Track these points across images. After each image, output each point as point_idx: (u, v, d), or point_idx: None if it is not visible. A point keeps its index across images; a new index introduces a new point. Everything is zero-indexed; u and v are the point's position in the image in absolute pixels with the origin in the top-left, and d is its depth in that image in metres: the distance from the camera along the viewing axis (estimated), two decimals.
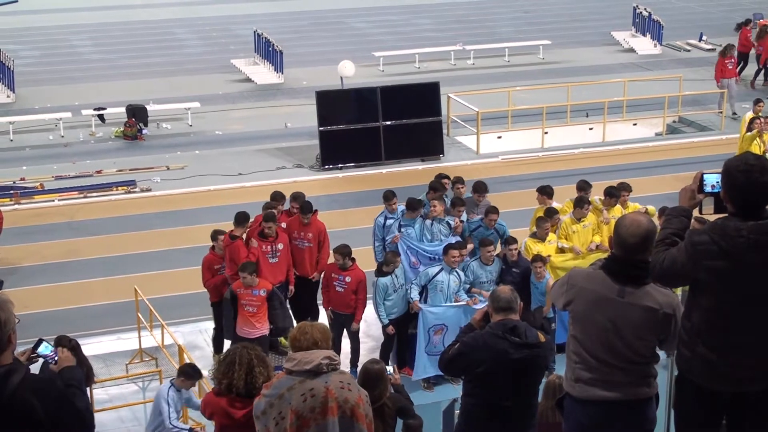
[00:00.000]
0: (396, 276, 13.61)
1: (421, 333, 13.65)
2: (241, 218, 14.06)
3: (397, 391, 9.22)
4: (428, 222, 14.48)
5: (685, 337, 5.80)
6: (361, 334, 14.84)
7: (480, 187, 15.65)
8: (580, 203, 14.79)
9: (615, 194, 15.09)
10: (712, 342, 5.67)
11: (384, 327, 13.79)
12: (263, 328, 13.34)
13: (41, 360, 6.01)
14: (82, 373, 5.64)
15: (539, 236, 14.48)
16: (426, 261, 14.13)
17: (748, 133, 20.20)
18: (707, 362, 5.70)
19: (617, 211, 14.87)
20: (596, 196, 15.48)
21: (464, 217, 14.90)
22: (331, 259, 14.20)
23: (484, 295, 13.40)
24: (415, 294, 13.58)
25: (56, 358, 5.81)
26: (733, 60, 26.43)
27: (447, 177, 15.78)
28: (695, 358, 5.75)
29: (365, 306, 13.84)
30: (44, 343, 5.74)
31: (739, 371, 5.66)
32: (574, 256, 14.52)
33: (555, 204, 15.36)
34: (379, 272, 13.65)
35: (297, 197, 14.81)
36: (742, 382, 5.70)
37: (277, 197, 14.77)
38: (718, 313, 5.61)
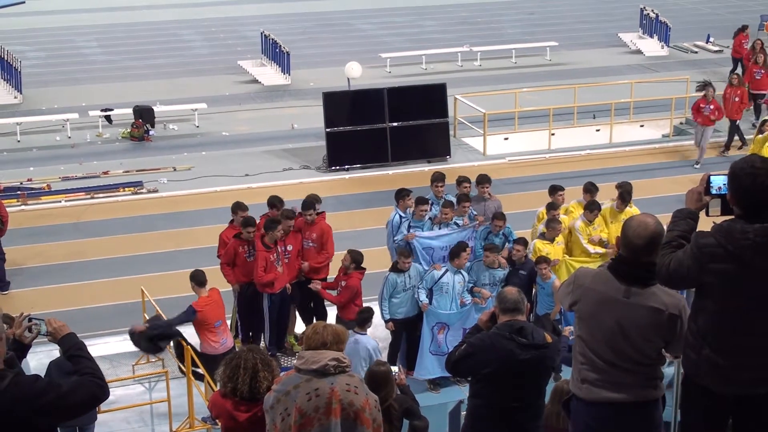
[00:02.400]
0: (409, 276, 13.61)
1: (426, 332, 13.66)
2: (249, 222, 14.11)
3: (403, 392, 9.23)
4: (436, 227, 14.51)
5: (692, 339, 5.79)
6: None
7: (483, 179, 15.64)
8: (591, 207, 14.84)
9: (627, 199, 15.12)
10: (718, 344, 5.65)
11: (385, 322, 13.79)
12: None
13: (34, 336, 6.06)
14: (77, 337, 5.74)
15: (548, 237, 14.48)
16: (438, 259, 14.09)
17: (760, 136, 20.14)
18: (713, 365, 5.68)
19: (625, 213, 14.87)
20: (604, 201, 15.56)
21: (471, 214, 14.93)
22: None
23: (485, 295, 13.41)
24: (423, 297, 13.57)
25: (47, 330, 5.84)
26: (712, 106, 22.58)
27: (443, 175, 15.77)
28: (701, 360, 5.74)
29: (333, 299, 13.84)
30: (34, 320, 5.84)
31: (745, 374, 5.64)
32: (588, 256, 14.57)
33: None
34: (393, 268, 13.73)
35: (273, 204, 14.73)
36: (748, 385, 5.68)
37: (275, 202, 14.74)
38: (724, 315, 5.59)
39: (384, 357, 13.25)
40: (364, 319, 12.38)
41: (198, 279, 13.04)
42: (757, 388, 5.69)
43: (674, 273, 5.62)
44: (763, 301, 5.52)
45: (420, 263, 13.95)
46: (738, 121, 23.63)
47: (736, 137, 23.82)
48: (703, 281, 5.58)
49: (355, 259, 13.62)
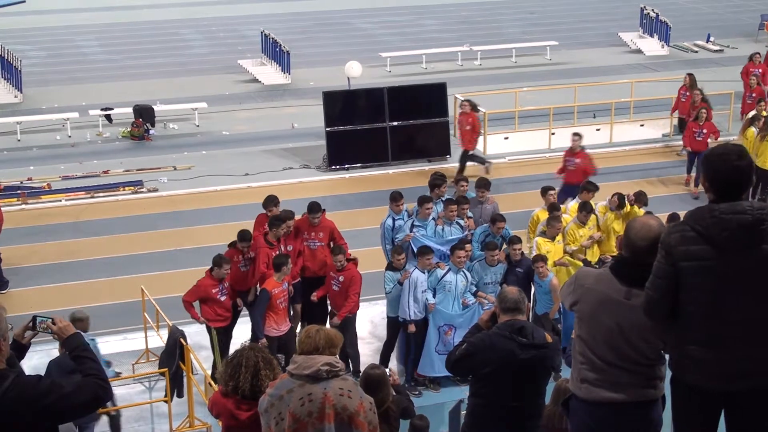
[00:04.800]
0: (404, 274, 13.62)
1: (432, 331, 13.65)
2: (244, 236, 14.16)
3: (398, 391, 9.24)
4: (439, 227, 14.52)
5: (673, 337, 5.80)
6: (366, 335, 14.86)
7: (483, 183, 15.66)
8: (582, 208, 14.87)
9: (621, 204, 15.20)
10: (697, 338, 5.64)
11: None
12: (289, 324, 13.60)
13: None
14: (83, 336, 5.71)
15: (549, 236, 14.51)
16: (435, 260, 14.12)
17: (753, 129, 20.04)
18: (695, 360, 5.68)
19: (637, 212, 14.95)
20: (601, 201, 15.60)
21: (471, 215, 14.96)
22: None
23: (490, 300, 13.40)
24: (430, 297, 13.58)
25: (54, 328, 5.80)
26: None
27: (444, 176, 15.80)
28: (684, 357, 5.74)
29: (353, 306, 13.67)
30: (39, 318, 5.81)
31: (726, 367, 5.62)
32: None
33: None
34: (389, 267, 13.76)
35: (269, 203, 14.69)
36: (731, 379, 5.65)
37: (273, 200, 14.72)
38: (700, 306, 5.58)
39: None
40: (420, 252, 13.47)
41: (275, 262, 13.33)
42: (742, 382, 5.66)
43: (654, 287, 5.65)
44: (736, 283, 5.51)
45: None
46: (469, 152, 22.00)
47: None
48: (678, 267, 5.57)
49: (341, 253, 13.68)
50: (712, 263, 5.50)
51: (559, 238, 14.61)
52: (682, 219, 5.73)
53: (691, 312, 5.61)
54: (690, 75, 23.93)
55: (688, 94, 23.24)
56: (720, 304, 5.54)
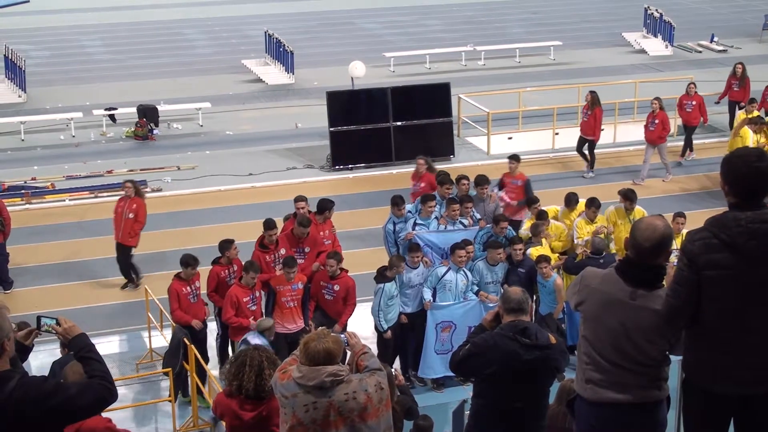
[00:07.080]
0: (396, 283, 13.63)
1: (430, 331, 13.66)
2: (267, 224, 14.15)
3: (402, 392, 9.23)
4: (441, 226, 14.52)
5: (690, 340, 5.80)
6: (370, 335, 14.80)
7: (481, 180, 15.71)
8: (591, 204, 14.91)
9: (632, 198, 15.19)
10: (715, 343, 5.66)
11: (383, 333, 13.68)
12: (301, 323, 13.53)
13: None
14: (88, 337, 5.68)
15: (536, 243, 14.61)
16: (437, 258, 14.14)
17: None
18: (711, 365, 5.69)
19: (639, 212, 14.97)
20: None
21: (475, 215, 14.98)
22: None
23: (492, 300, 13.39)
24: (427, 295, 13.59)
25: (59, 329, 5.77)
26: (657, 120, 21.62)
27: (446, 173, 15.83)
28: (699, 360, 5.75)
29: (353, 312, 13.71)
30: (44, 319, 5.78)
31: (743, 372, 5.64)
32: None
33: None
34: (382, 277, 13.54)
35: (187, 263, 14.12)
36: (747, 384, 5.67)
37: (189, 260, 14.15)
38: (722, 311, 5.59)
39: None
40: (407, 249, 13.67)
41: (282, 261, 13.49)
42: (758, 387, 5.68)
43: (675, 293, 5.65)
44: (760, 292, 5.52)
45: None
46: None
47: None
48: (701, 275, 5.57)
49: (341, 260, 13.63)
50: (736, 272, 5.50)
51: (543, 242, 14.66)
52: (704, 223, 5.67)
53: (712, 319, 5.62)
54: (592, 93, 22.42)
55: (589, 113, 22.11)
56: (742, 312, 5.55)
